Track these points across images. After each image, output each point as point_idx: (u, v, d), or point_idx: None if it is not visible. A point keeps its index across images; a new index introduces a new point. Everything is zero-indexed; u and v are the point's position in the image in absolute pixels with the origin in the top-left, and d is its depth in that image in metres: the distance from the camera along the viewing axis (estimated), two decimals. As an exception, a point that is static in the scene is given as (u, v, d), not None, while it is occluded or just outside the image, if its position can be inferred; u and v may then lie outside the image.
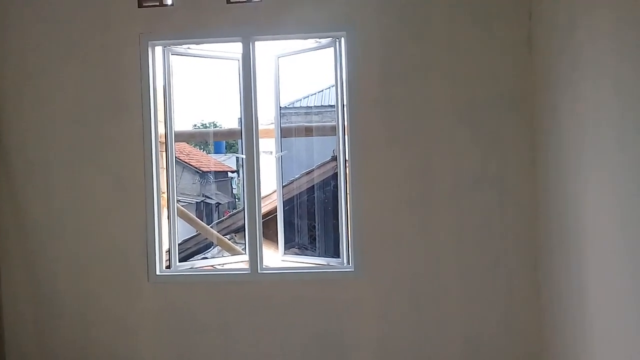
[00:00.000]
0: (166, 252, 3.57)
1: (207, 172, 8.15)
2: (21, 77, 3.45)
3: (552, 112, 2.97)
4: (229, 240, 6.00)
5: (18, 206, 3.45)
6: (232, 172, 9.79)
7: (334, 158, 5.55)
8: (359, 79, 3.32)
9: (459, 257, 3.30)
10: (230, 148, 11.17)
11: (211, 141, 5.27)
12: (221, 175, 9.22)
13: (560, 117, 2.86)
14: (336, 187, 5.45)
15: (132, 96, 3.39)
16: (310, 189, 4.90)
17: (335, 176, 5.57)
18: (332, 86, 5.07)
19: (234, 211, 6.94)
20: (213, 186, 8.15)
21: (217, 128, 5.12)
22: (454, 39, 3.28)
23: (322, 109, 4.87)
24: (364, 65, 3.32)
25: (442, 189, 3.30)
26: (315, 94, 5.46)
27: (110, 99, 3.41)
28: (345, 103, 3.40)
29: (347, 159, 3.43)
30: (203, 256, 5.05)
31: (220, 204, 8.08)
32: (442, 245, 3.31)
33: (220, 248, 5.33)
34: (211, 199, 7.79)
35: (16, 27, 3.44)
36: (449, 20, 3.29)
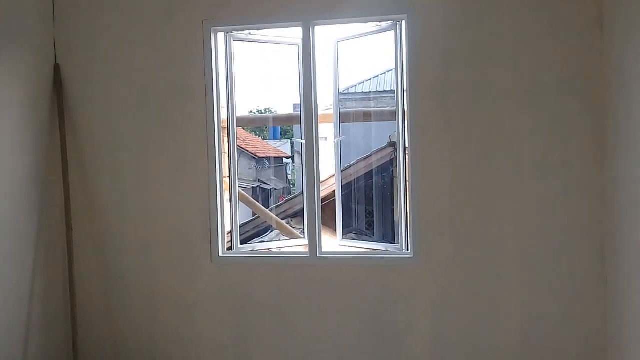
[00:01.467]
0: (227, 234, 3.67)
1: (263, 157, 8.27)
2: (89, 63, 3.59)
3: (623, 97, 2.83)
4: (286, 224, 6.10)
5: (88, 189, 3.63)
6: (287, 158, 9.91)
7: (391, 144, 5.52)
8: (420, 63, 3.27)
9: (519, 247, 3.23)
10: (285, 134, 11.29)
11: (270, 127, 5.32)
12: (276, 161, 9.35)
13: (632, 102, 2.73)
14: (393, 173, 5.42)
15: (195, 82, 3.48)
16: (367, 175, 4.90)
17: (392, 162, 5.55)
18: (388, 71, 5.03)
19: (291, 196, 7.02)
20: (269, 172, 8.29)
21: (274, 113, 5.16)
22: (518, 22, 3.18)
23: (379, 94, 4.84)
24: (424, 49, 3.27)
25: (503, 177, 3.23)
26: (370, 79, 5.43)
27: (174, 85, 3.51)
28: (405, 88, 3.36)
29: (406, 144, 3.40)
30: (261, 240, 5.16)
31: (275, 189, 8.21)
32: (502, 234, 3.24)
33: (278, 232, 5.43)
34: (267, 184, 7.93)
35: (85, 14, 3.58)
36: (513, 2, 3.18)
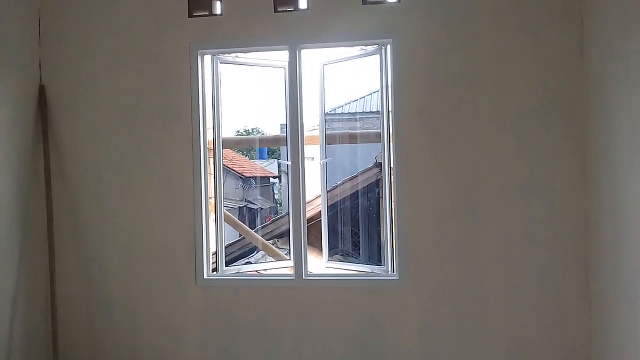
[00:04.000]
0: (212, 254, 3.64)
1: (250, 177, 8.26)
2: (75, 84, 3.59)
3: (605, 120, 2.89)
4: (272, 245, 6.07)
5: (72, 208, 3.59)
6: (274, 177, 9.91)
7: (377, 165, 5.56)
8: (405, 86, 3.31)
9: (505, 268, 3.24)
10: (272, 154, 11.31)
11: (257, 147, 5.33)
12: (263, 181, 9.34)
13: (613, 125, 2.78)
14: (379, 193, 5.43)
15: (182, 103, 3.48)
16: (353, 195, 4.91)
17: (377, 183, 5.57)
18: (374, 92, 5.08)
19: (277, 216, 7.00)
20: (255, 191, 8.27)
21: (262, 135, 5.18)
22: (501, 46, 3.24)
23: (365, 115, 4.88)
24: (409, 72, 3.31)
25: (488, 199, 3.26)
26: (356, 100, 5.48)
27: (160, 106, 3.51)
28: (390, 110, 3.39)
29: (391, 166, 3.42)
30: (246, 260, 5.12)
31: (262, 208, 8.19)
32: (487, 256, 3.26)
33: (264, 253, 5.40)
34: (254, 204, 7.90)
35: (71, 36, 3.59)
36: (496, 27, 3.25)
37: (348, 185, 4.84)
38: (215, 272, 3.59)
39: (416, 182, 3.31)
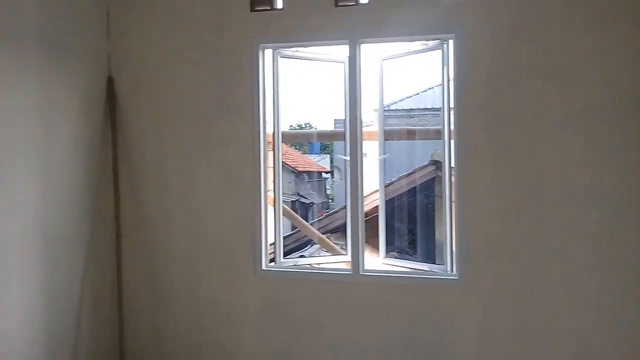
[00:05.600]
0: (270, 245, 3.69)
1: (302, 171, 8.31)
2: (141, 77, 3.70)
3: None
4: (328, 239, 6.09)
5: (137, 199, 3.72)
6: (326, 172, 9.93)
7: (434, 162, 5.47)
8: (467, 82, 3.24)
9: (569, 271, 3.12)
10: (325, 149, 11.34)
11: (312, 142, 5.35)
12: (316, 176, 9.38)
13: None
14: (435, 191, 5.35)
15: (243, 97, 3.53)
16: (408, 193, 4.86)
17: (434, 180, 5.50)
18: (430, 89, 5.00)
19: (331, 211, 7.02)
20: (307, 186, 8.32)
21: (314, 128, 5.19)
22: (569, 41, 3.10)
23: (421, 112, 4.81)
24: (472, 68, 3.23)
25: (551, 199, 3.14)
26: (411, 96, 5.41)
27: (222, 99, 3.58)
28: (451, 107, 3.33)
29: (451, 163, 3.36)
30: (300, 254, 5.17)
31: (314, 203, 8.23)
32: (550, 258, 3.15)
33: (318, 246, 5.43)
34: (306, 198, 7.95)
35: (138, 29, 3.70)
36: (564, 21, 3.11)
37: (404, 182, 4.80)
38: (273, 264, 3.64)
39: (477, 180, 3.23)
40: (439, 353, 3.29)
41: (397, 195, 4.81)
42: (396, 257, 4.04)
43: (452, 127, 3.32)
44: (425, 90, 5.05)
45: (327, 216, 6.59)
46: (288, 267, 3.65)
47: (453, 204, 3.33)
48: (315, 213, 7.74)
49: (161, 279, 3.70)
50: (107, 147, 3.66)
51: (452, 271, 3.37)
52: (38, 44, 3.10)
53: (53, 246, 3.20)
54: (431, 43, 3.48)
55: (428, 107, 4.37)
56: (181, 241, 3.66)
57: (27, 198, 3.04)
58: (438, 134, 3.56)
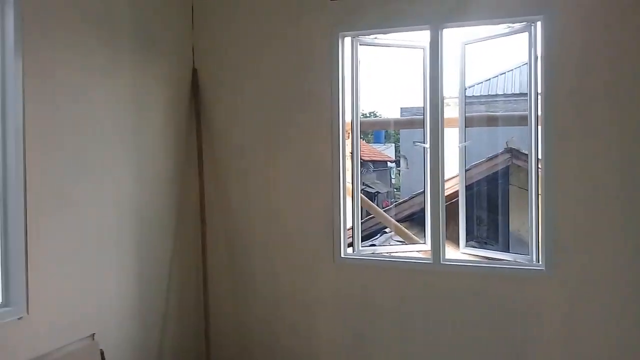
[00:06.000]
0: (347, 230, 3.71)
1: (367, 160, 8.28)
2: (224, 67, 3.80)
3: None
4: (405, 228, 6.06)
5: (219, 187, 3.84)
6: (392, 162, 9.85)
7: (508, 150, 5.31)
8: (556, 66, 3.10)
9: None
10: (389, 138, 11.23)
11: (391, 130, 5.32)
12: (380, 165, 9.33)
13: None
14: (508, 180, 5.19)
15: (322, 86, 3.55)
16: (481, 182, 4.75)
17: (507, 169, 5.34)
18: (509, 71, 4.83)
19: (400, 200, 6.98)
20: (373, 175, 8.29)
21: (396, 117, 5.15)
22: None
23: (506, 97, 4.65)
24: (562, 51, 3.10)
25: (646, 188, 2.98)
26: (490, 79, 5.25)
27: (301, 89, 3.61)
28: (539, 92, 3.21)
29: (538, 151, 3.24)
30: (371, 242, 5.17)
31: (379, 193, 8.20)
32: (643, 250, 2.99)
33: (390, 235, 5.42)
34: (371, 187, 7.94)
35: (220, 22, 3.80)
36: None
37: (478, 170, 4.70)
38: (351, 251, 3.66)
39: (566, 168, 3.11)
40: (524, 345, 3.21)
41: (469, 185, 4.71)
42: (474, 247, 3.95)
43: (539, 112, 3.20)
44: (504, 73, 4.87)
45: (396, 205, 6.56)
46: (367, 254, 3.65)
47: (540, 194, 3.22)
48: (381, 202, 7.71)
49: (242, 264, 3.80)
50: (192, 136, 3.79)
51: (538, 262, 3.27)
52: (131, 39, 3.25)
53: (144, 231, 3.37)
54: (517, 25, 3.36)
55: (509, 92, 4.24)
56: (261, 228, 3.75)
57: (123, 186, 3.21)
58: (522, 121, 3.44)
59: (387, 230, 6.00)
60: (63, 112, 2.81)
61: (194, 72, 3.81)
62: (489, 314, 3.27)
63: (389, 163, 9.74)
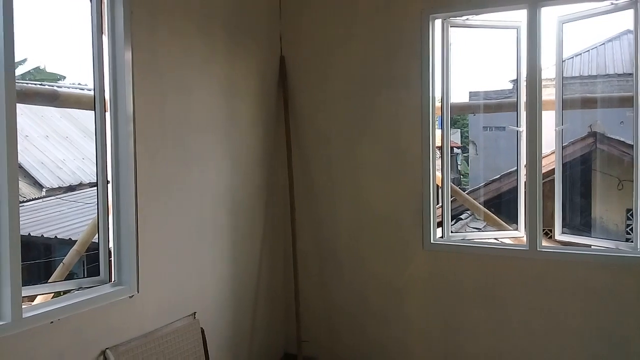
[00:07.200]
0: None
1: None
2: (310, 55, 3.82)
3: None
4: (469, 216, 5.96)
5: (307, 172, 3.88)
6: (458, 148, 9.62)
7: (592, 134, 5.08)
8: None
9: None
10: (455, 123, 10.97)
11: (481, 113, 5.20)
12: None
13: None
14: (591, 165, 4.97)
15: (411, 70, 3.50)
16: (563, 166, 4.57)
17: (590, 154, 5.11)
18: (600, 45, 4.57)
19: (473, 187, 6.83)
20: (437, 161, 8.14)
21: (485, 100, 5.01)
22: None
23: (605, 78, 4.42)
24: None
25: None
26: (580, 54, 5.00)
27: (389, 73, 3.58)
28: (646, 71, 3.04)
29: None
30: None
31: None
32: None
33: (469, 219, 5.33)
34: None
35: (307, 9, 3.81)
36: None
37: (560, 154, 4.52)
38: (440, 237, 3.62)
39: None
40: (622, 333, 3.08)
41: (550, 171, 4.54)
42: (566, 233, 3.81)
43: (646, 93, 3.03)
44: (595, 47, 4.61)
45: (469, 192, 6.43)
46: (457, 240, 3.60)
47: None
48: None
49: (328, 249, 3.84)
50: (280, 124, 3.85)
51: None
52: (224, 29, 3.32)
53: (237, 216, 3.46)
54: (620, 2, 3.18)
55: (611, 72, 4.04)
56: (347, 214, 3.76)
57: (218, 174, 3.31)
58: (624, 102, 3.27)
59: (462, 217, 5.90)
60: (167, 102, 2.92)
61: (282, 60, 3.85)
62: (588, 303, 3.16)
63: (454, 149, 9.53)
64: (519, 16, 3.44)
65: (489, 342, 3.41)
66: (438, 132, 3.67)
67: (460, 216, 5.88)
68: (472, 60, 4.63)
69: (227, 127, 3.38)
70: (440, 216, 3.63)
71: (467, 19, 3.56)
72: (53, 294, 2.85)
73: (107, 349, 2.56)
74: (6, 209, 2.18)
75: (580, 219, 4.65)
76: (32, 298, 2.80)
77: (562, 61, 3.58)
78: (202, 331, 3.10)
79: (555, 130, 3.52)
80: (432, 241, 3.52)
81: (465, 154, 9.64)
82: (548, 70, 4.54)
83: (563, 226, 3.61)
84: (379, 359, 3.70)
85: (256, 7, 3.64)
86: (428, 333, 3.57)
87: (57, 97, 3.17)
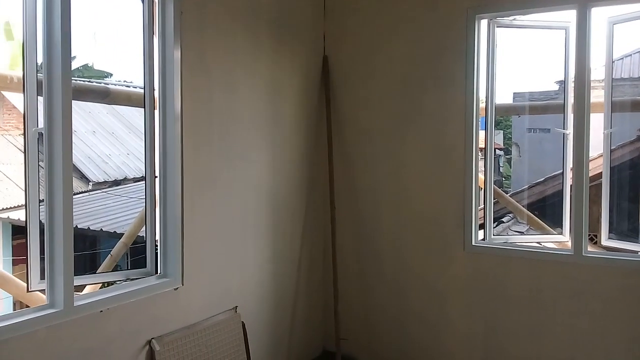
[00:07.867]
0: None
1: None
2: (353, 54, 3.83)
3: None
4: (511, 219, 5.85)
5: (348, 171, 3.89)
6: (500, 149, 9.44)
7: (640, 138, 4.90)
8: None
9: None
10: (497, 125, 10.78)
11: (526, 114, 5.11)
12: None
13: None
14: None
15: (456, 70, 3.47)
16: (611, 171, 4.44)
17: (639, 158, 4.94)
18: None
19: (516, 190, 6.71)
20: (480, 163, 8.02)
21: (530, 102, 4.92)
22: None
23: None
24: None
25: None
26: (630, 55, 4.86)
27: (433, 73, 3.56)
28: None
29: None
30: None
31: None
32: None
33: (511, 222, 5.24)
34: (478, 175, 7.69)
35: (351, 8, 3.82)
36: None
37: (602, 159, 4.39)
38: (482, 239, 3.58)
39: None
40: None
41: (597, 175, 4.43)
42: (613, 239, 3.71)
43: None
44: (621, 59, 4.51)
45: (512, 195, 6.32)
46: (499, 243, 3.55)
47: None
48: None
49: (368, 249, 3.84)
50: (322, 122, 3.88)
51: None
52: (269, 29, 3.38)
53: (278, 211, 3.52)
54: (677, 2, 3.08)
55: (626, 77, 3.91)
56: (388, 213, 3.76)
57: (260, 171, 3.37)
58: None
59: (504, 220, 5.80)
60: (214, 100, 2.99)
61: (325, 59, 3.88)
62: (632, 310, 3.07)
63: (497, 151, 9.37)
64: (568, 16, 3.37)
65: (531, 345, 3.35)
66: (481, 133, 3.62)
67: (502, 219, 5.79)
68: (517, 60, 4.56)
69: (270, 125, 3.43)
70: (482, 218, 3.59)
71: (514, 19, 3.50)
72: (101, 285, 2.96)
73: (152, 338, 2.64)
74: (60, 201, 2.29)
75: (627, 225, 4.52)
76: (79, 289, 2.92)
77: (612, 62, 3.48)
78: (243, 325, 3.16)
79: (604, 133, 3.43)
80: (473, 243, 3.49)
81: (507, 156, 9.48)
82: (596, 71, 4.43)
83: (610, 231, 3.52)
84: (419, 359, 3.69)
85: (301, 7, 3.69)
86: (469, 335, 3.53)
87: (109, 94, 3.29)
